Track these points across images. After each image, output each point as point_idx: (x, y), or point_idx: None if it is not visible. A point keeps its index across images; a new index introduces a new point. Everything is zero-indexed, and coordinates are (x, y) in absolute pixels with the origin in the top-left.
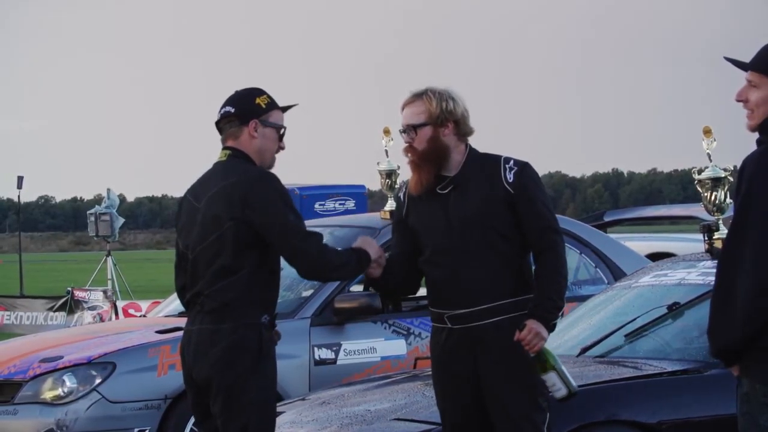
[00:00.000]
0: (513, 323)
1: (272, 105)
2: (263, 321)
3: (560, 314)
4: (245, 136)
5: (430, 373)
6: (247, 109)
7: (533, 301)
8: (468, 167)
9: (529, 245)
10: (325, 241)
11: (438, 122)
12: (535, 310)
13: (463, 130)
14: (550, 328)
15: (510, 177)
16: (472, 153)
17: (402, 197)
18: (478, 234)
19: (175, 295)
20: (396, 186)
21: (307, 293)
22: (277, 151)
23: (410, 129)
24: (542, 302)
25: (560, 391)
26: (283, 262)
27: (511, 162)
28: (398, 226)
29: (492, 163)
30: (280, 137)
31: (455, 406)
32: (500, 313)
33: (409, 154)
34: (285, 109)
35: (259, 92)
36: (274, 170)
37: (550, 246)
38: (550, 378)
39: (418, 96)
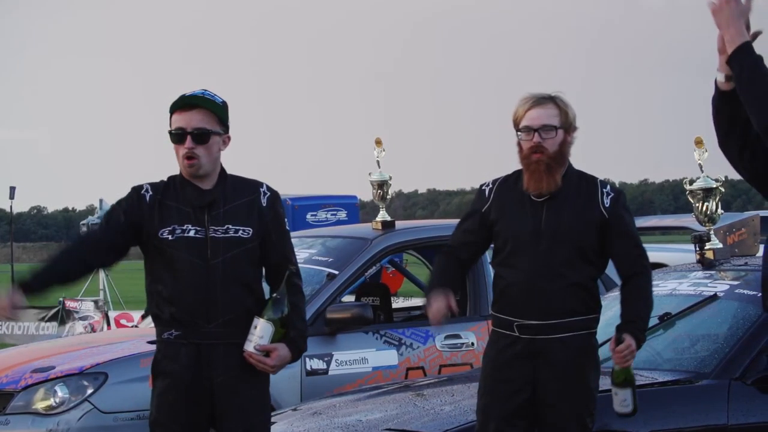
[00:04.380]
0: (576, 340)
1: (170, 113)
2: (164, 337)
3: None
4: None
5: (423, 383)
6: None
7: (625, 317)
8: (566, 181)
9: (619, 269)
10: (317, 251)
11: (569, 129)
12: (629, 326)
13: (573, 142)
14: (639, 346)
15: (607, 202)
16: (571, 168)
17: (488, 193)
18: (565, 250)
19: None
20: (388, 196)
21: None
22: (186, 155)
23: (549, 129)
24: (636, 321)
25: (627, 408)
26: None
27: (608, 187)
28: (474, 215)
29: (590, 182)
30: (176, 140)
31: (503, 409)
32: (569, 329)
33: (537, 155)
34: (177, 107)
35: None
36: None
37: (644, 271)
38: (625, 393)
39: (550, 99)
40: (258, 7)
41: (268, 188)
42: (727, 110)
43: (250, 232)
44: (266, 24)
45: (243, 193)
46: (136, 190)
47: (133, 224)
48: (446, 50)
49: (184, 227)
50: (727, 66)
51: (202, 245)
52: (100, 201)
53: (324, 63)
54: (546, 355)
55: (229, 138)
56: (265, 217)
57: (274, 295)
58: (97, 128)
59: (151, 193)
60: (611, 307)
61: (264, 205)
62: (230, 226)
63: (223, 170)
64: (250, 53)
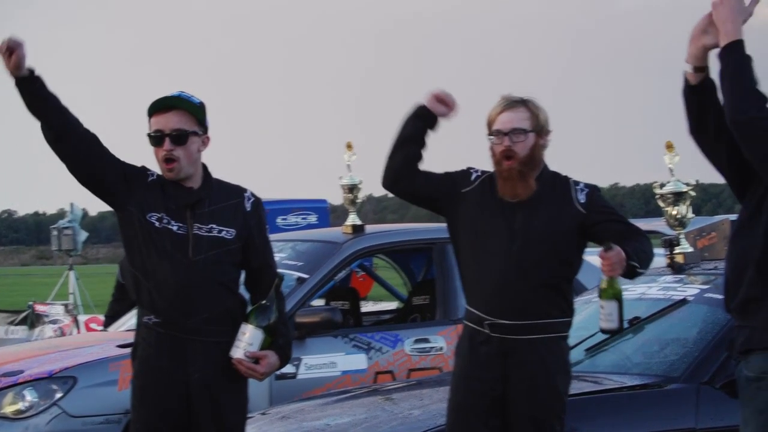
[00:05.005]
0: (546, 343)
1: (149, 117)
2: (145, 321)
3: (636, 269)
4: None
5: (392, 387)
6: None
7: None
8: (540, 183)
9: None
10: (287, 255)
11: (540, 132)
12: (620, 244)
13: (547, 144)
14: (627, 269)
15: (581, 198)
16: (545, 170)
17: (473, 178)
18: (539, 251)
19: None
20: (358, 200)
21: None
22: (165, 157)
23: (518, 132)
24: (629, 248)
25: (612, 323)
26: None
27: (581, 184)
28: (449, 181)
29: (563, 183)
30: (154, 143)
31: (475, 406)
32: (539, 331)
33: (507, 160)
34: (155, 110)
35: None
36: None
37: (640, 233)
38: (611, 306)
39: (521, 103)
40: (228, 9)
41: (253, 194)
42: (696, 102)
43: (233, 234)
44: (235, 25)
45: (228, 196)
46: (144, 169)
47: (116, 172)
48: (418, 53)
49: (169, 220)
50: (698, 58)
51: (184, 241)
52: (71, 205)
53: (294, 65)
54: (516, 355)
55: (208, 138)
56: (249, 221)
57: (263, 302)
58: None
59: (154, 178)
60: (582, 311)
61: (248, 209)
62: (214, 226)
63: (208, 172)
64: (218, 54)
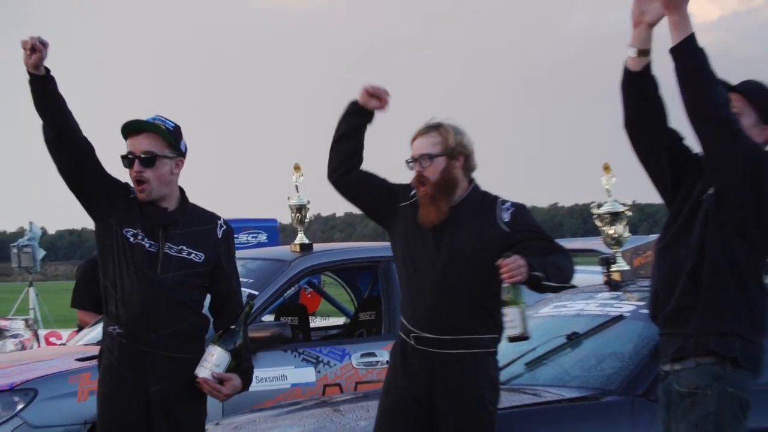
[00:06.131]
0: (471, 358)
1: (124, 139)
2: (110, 331)
3: (541, 279)
4: None
5: (340, 399)
6: None
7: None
8: (466, 203)
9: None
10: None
11: (452, 154)
12: (525, 254)
13: (470, 165)
14: (531, 278)
15: (506, 216)
16: (474, 190)
17: (411, 195)
18: (463, 271)
19: (93, 324)
20: (306, 220)
21: None
22: (136, 179)
23: (425, 158)
24: (534, 260)
25: (515, 329)
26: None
27: (507, 203)
28: (392, 192)
29: (489, 202)
30: (126, 164)
31: (403, 415)
32: (464, 346)
33: (421, 186)
34: (128, 132)
35: None
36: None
37: (560, 249)
38: (512, 312)
39: (434, 128)
40: (182, 29)
41: (225, 222)
42: (637, 91)
43: (203, 258)
44: (179, 44)
45: (202, 222)
46: (126, 185)
47: (103, 184)
48: (368, 76)
49: (143, 237)
50: (644, 40)
51: (154, 259)
52: (30, 224)
53: (244, 86)
54: (441, 369)
55: (182, 161)
56: (219, 248)
57: (233, 326)
58: (27, 148)
59: (133, 196)
60: None
61: (219, 236)
62: (184, 248)
63: (185, 196)
64: (170, 74)
